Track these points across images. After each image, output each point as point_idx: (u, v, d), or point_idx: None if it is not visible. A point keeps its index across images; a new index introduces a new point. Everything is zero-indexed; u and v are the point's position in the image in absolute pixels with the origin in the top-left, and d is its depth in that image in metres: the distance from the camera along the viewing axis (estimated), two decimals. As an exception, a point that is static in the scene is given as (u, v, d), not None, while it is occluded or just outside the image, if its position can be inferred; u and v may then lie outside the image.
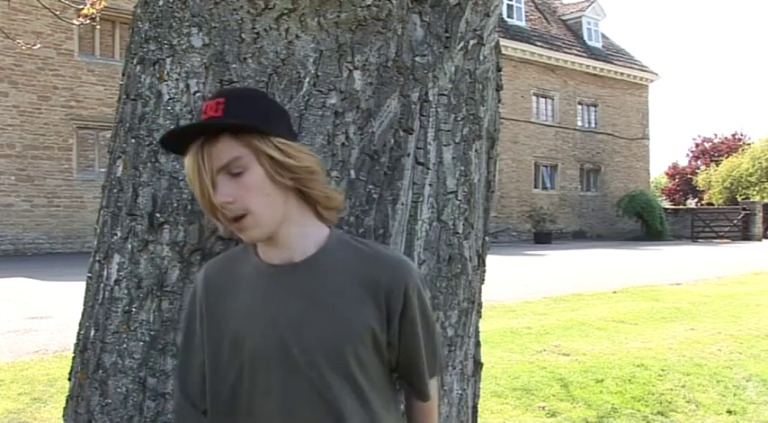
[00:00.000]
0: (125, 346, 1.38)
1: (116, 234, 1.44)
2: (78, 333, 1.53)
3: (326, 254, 1.15)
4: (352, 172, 1.37)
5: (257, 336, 1.12)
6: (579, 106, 28.84)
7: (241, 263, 1.20)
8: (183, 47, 1.40)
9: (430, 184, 1.46)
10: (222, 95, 1.11)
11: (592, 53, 28.94)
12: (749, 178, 39.35)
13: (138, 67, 1.47)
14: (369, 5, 1.35)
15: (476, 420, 1.69)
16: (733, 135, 49.08)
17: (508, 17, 26.07)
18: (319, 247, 1.15)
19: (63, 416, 1.54)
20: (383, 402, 1.18)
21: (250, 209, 1.08)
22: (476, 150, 1.56)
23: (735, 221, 29.13)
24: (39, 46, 8.89)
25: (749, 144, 44.31)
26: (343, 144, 1.37)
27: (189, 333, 1.22)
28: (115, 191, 1.47)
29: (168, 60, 1.42)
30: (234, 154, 1.07)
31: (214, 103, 1.10)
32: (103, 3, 6.06)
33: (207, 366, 1.18)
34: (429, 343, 1.20)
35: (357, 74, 1.38)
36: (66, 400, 1.53)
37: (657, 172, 54.09)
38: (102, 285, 1.45)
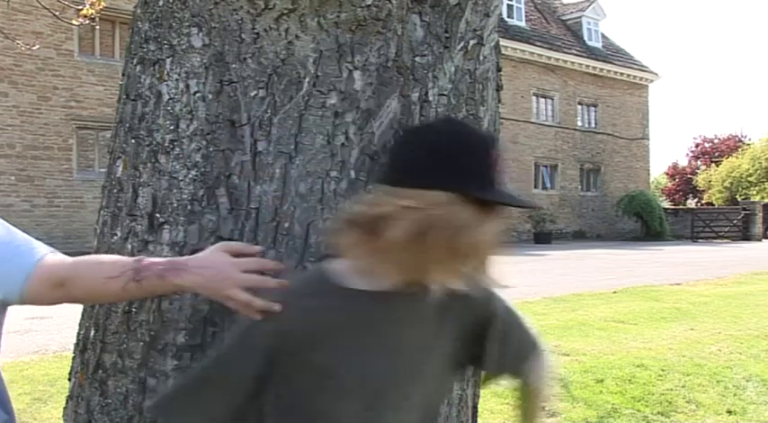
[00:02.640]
0: (125, 346, 1.38)
1: (116, 234, 1.44)
2: (78, 333, 1.53)
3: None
4: (352, 172, 1.37)
5: (397, 363, 1.13)
6: (579, 106, 28.85)
7: (329, 295, 1.13)
8: (183, 47, 1.40)
9: (430, 185, 1.46)
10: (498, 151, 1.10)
11: (592, 53, 28.95)
12: (749, 178, 39.35)
13: (138, 68, 1.47)
14: (369, 5, 1.35)
15: (476, 420, 1.69)
16: (733, 135, 49.10)
17: (508, 17, 26.07)
18: None
19: (63, 416, 1.54)
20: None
21: None
22: (476, 150, 1.56)
23: (735, 221, 29.14)
24: (38, 46, 8.90)
25: (749, 144, 44.32)
26: (343, 144, 1.37)
27: (229, 367, 1.14)
28: (115, 191, 1.47)
29: (168, 60, 1.42)
30: None
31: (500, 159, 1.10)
32: (103, 3, 6.06)
33: (298, 408, 1.12)
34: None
35: (357, 74, 1.38)
36: (66, 400, 1.53)
37: (657, 172, 54.12)
38: (102, 285, 1.45)
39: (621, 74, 29.80)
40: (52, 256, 1.22)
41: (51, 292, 1.17)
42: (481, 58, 1.55)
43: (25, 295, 1.17)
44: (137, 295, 1.22)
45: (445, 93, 1.47)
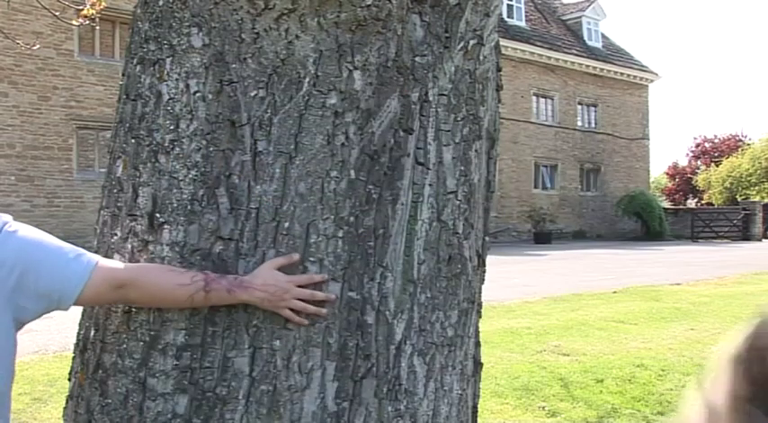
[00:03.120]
0: (125, 346, 1.38)
1: (116, 234, 1.44)
2: (78, 333, 1.53)
3: None
4: (352, 172, 1.37)
5: None
6: (579, 106, 28.85)
7: None
8: (183, 47, 1.40)
9: (430, 184, 1.46)
10: None
11: (592, 53, 28.95)
12: (749, 178, 39.33)
13: (138, 67, 1.47)
14: (369, 5, 1.35)
15: (476, 420, 1.69)
16: (733, 135, 49.09)
17: (508, 17, 26.07)
18: None
19: (63, 416, 1.54)
20: None
21: None
22: (476, 150, 1.56)
23: (735, 221, 29.13)
24: (38, 46, 8.89)
25: (749, 144, 44.31)
26: (342, 144, 1.37)
27: None
28: (115, 191, 1.47)
29: (168, 60, 1.42)
30: None
31: None
32: (103, 3, 6.06)
33: None
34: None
35: (357, 74, 1.38)
36: (66, 400, 1.53)
37: (657, 172, 54.06)
38: (102, 285, 1.45)
39: (621, 74, 29.79)
40: (105, 260, 1.32)
41: (111, 292, 1.28)
42: (481, 58, 1.55)
43: (83, 297, 1.26)
44: (200, 304, 1.31)
45: (445, 93, 1.47)
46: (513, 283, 10.49)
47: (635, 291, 9.91)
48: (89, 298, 1.28)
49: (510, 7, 26.34)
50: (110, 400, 1.39)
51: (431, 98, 1.45)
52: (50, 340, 5.75)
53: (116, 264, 1.33)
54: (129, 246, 1.41)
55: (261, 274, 1.31)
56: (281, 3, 1.33)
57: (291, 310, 1.32)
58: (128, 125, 1.47)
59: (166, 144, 1.39)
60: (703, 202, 44.44)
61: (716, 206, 37.89)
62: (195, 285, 1.27)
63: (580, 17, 29.63)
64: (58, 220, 16.21)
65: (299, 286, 1.33)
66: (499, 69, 1.69)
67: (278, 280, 1.31)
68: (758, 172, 38.81)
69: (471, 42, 1.51)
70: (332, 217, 1.36)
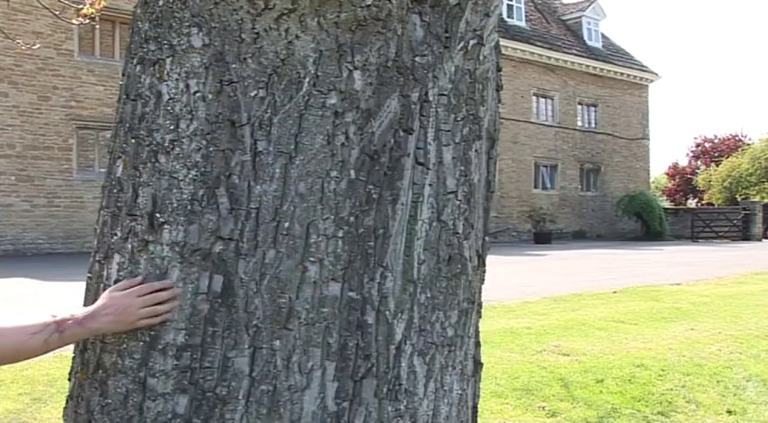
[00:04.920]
0: (125, 346, 1.38)
1: (116, 234, 1.44)
2: (78, 333, 1.53)
3: None
4: (352, 172, 1.37)
5: None
6: (579, 106, 28.86)
7: None
8: (183, 47, 1.40)
9: (430, 184, 1.46)
10: None
11: (592, 53, 28.95)
12: (749, 178, 39.33)
13: (138, 67, 1.47)
14: (369, 5, 1.35)
15: (476, 420, 1.69)
16: (733, 135, 49.08)
17: (508, 17, 26.07)
18: None
19: (63, 416, 1.54)
20: None
21: None
22: (476, 150, 1.56)
23: (735, 221, 29.13)
24: (38, 46, 8.89)
25: (749, 144, 44.30)
26: (343, 144, 1.37)
27: None
28: (115, 191, 1.47)
29: (168, 60, 1.42)
30: None
31: None
32: (103, 3, 6.05)
33: None
34: None
35: (357, 74, 1.38)
36: (66, 401, 1.53)
37: (657, 172, 54.10)
38: (102, 285, 1.45)
39: (621, 74, 29.80)
40: None
41: None
42: (481, 58, 1.55)
43: None
44: (56, 346, 1.32)
45: (445, 93, 1.47)
46: (513, 283, 10.49)
47: (635, 291, 9.91)
48: None
49: (510, 7, 26.34)
50: (110, 400, 1.39)
51: (431, 98, 1.45)
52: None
53: None
54: (129, 246, 1.41)
55: (101, 301, 1.36)
56: (281, 3, 1.33)
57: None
58: (128, 125, 1.47)
59: (166, 144, 1.39)
60: (703, 202, 44.44)
61: (716, 206, 37.89)
62: (47, 330, 1.29)
63: (580, 17, 29.64)
64: (58, 220, 16.21)
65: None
66: (499, 69, 1.69)
67: (115, 298, 1.35)
68: (758, 172, 38.80)
69: (471, 42, 1.51)
70: (332, 217, 1.36)
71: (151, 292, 1.35)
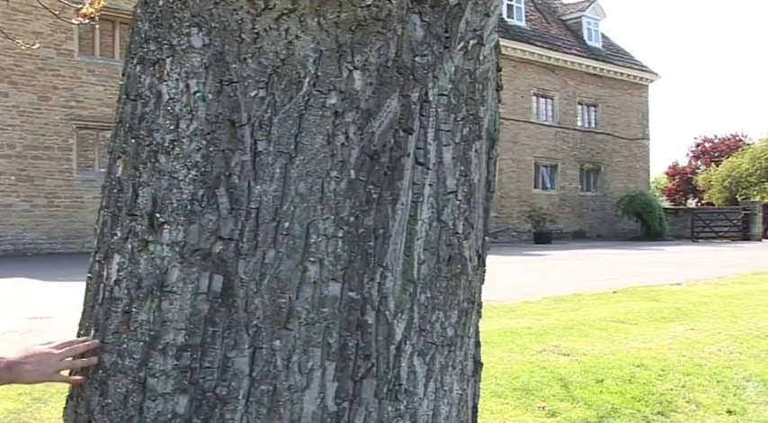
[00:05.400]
0: (125, 346, 1.38)
1: (116, 234, 1.44)
2: (78, 333, 1.53)
3: None
4: (352, 172, 1.37)
5: None
6: (579, 106, 28.87)
7: None
8: (183, 47, 1.40)
9: (430, 184, 1.46)
10: None
11: (592, 53, 28.96)
12: (749, 178, 39.33)
13: (138, 67, 1.47)
14: (369, 5, 1.35)
15: (476, 420, 1.69)
16: (733, 135, 49.08)
17: (508, 17, 26.08)
18: None
19: (63, 416, 1.54)
20: None
21: None
22: (476, 150, 1.56)
23: (735, 221, 29.14)
24: (38, 46, 8.89)
25: (749, 144, 44.30)
26: (342, 144, 1.37)
27: None
28: (115, 191, 1.47)
29: (168, 60, 1.42)
30: None
31: None
32: (103, 2, 6.05)
33: None
34: None
35: (357, 74, 1.38)
36: (66, 401, 1.53)
37: (657, 172, 54.09)
38: (101, 285, 1.45)
39: (621, 74, 29.81)
40: None
41: None
42: (481, 58, 1.55)
43: None
44: None
45: (445, 93, 1.47)
46: (513, 283, 10.49)
47: (635, 291, 9.91)
48: None
49: (510, 7, 26.35)
50: (110, 400, 1.39)
51: (431, 98, 1.45)
52: (50, 340, 5.74)
53: None
54: (129, 246, 1.41)
55: (22, 352, 1.43)
56: (281, 3, 1.33)
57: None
58: (128, 125, 1.47)
59: (166, 144, 1.39)
60: (703, 202, 44.45)
61: (716, 206, 37.90)
62: None
63: (580, 17, 29.65)
64: (58, 220, 16.21)
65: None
66: (499, 69, 1.69)
67: (38, 351, 1.43)
68: (758, 172, 38.81)
69: (471, 42, 1.51)
70: (332, 217, 1.36)
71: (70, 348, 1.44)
